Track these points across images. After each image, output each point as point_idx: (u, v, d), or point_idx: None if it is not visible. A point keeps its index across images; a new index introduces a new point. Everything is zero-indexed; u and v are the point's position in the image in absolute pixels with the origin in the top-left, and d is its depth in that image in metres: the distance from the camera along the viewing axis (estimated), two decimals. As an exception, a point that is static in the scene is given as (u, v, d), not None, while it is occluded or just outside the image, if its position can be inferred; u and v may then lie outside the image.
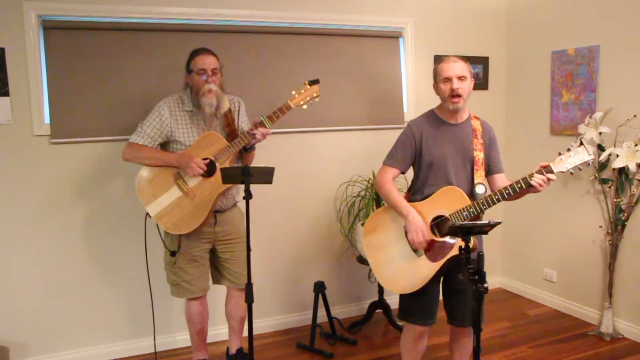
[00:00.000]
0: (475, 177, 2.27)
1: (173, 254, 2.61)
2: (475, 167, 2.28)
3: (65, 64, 2.88)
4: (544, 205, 3.72)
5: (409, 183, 2.51)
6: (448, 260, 2.20)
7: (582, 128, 3.25)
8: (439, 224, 2.25)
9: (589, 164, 2.12)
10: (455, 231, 1.91)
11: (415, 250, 2.26)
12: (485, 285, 1.76)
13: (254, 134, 2.52)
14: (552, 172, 2.09)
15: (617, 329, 3.25)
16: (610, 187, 3.22)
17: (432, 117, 2.36)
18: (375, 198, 3.28)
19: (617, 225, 3.20)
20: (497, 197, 2.14)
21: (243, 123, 2.73)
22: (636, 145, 2.98)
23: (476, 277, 1.76)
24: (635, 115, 3.05)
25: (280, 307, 3.51)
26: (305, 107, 2.64)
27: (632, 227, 3.17)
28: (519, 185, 2.11)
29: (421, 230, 2.20)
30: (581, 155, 2.09)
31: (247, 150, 2.65)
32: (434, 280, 2.26)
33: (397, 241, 2.31)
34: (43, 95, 2.87)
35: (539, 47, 3.71)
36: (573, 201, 3.53)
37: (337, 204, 3.56)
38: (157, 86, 2.98)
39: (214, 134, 2.55)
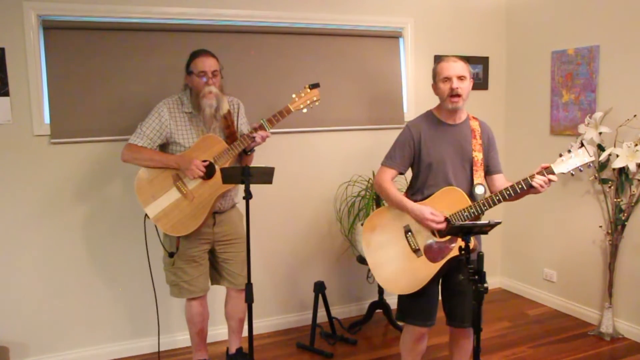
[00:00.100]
0: (474, 178, 2.27)
1: (171, 255, 2.61)
2: (474, 168, 2.28)
3: (65, 64, 2.88)
4: (544, 206, 3.73)
5: (409, 183, 2.50)
6: (448, 261, 2.20)
7: (582, 128, 3.25)
8: None
9: (589, 165, 2.12)
10: (455, 231, 1.91)
11: (415, 251, 2.26)
12: (485, 285, 1.76)
13: (254, 137, 2.52)
14: (553, 173, 2.09)
15: (617, 329, 3.25)
16: (610, 187, 3.22)
17: (431, 118, 2.36)
18: (375, 198, 3.28)
19: (617, 225, 3.20)
20: (497, 197, 2.14)
21: (242, 125, 2.73)
22: (636, 145, 2.98)
23: (476, 277, 1.76)
24: (635, 115, 3.05)
25: (280, 307, 3.52)
26: (305, 110, 2.64)
27: (632, 227, 3.17)
28: (519, 186, 2.11)
29: (430, 212, 2.18)
30: (582, 157, 2.09)
31: (246, 153, 2.65)
32: (434, 281, 2.26)
33: (397, 241, 2.31)
34: (43, 95, 2.87)
35: (539, 47, 3.71)
36: (573, 201, 3.53)
37: (337, 204, 3.56)
38: (157, 86, 2.98)
39: (213, 136, 2.55)
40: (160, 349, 3.17)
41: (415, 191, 2.35)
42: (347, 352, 3.16)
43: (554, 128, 3.62)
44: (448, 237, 2.20)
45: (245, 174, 2.16)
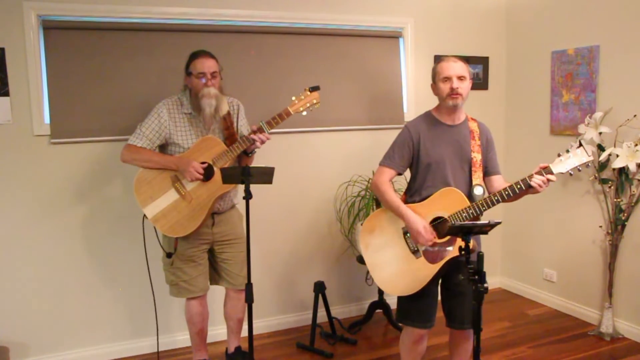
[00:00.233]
0: (473, 179, 2.27)
1: (169, 255, 2.61)
2: (473, 169, 2.28)
3: (65, 64, 2.88)
4: (544, 205, 3.73)
5: (407, 184, 2.50)
6: (446, 261, 2.20)
7: (582, 128, 3.25)
8: (438, 226, 2.25)
9: (588, 165, 2.12)
10: (455, 231, 1.91)
11: (414, 252, 2.26)
12: (485, 285, 1.76)
13: (253, 140, 2.52)
14: (551, 173, 2.09)
15: (617, 329, 3.25)
16: (610, 187, 3.22)
17: (430, 119, 2.36)
18: (375, 198, 3.28)
19: (617, 225, 3.20)
20: (496, 198, 2.14)
21: (242, 127, 2.72)
22: (636, 145, 2.98)
23: (476, 277, 1.76)
24: (635, 115, 3.05)
25: (280, 307, 3.52)
26: (304, 113, 2.64)
27: (632, 227, 3.17)
28: (518, 187, 2.11)
29: (423, 226, 2.19)
30: (580, 157, 2.09)
31: (247, 154, 2.64)
32: (433, 282, 2.26)
33: (395, 243, 2.31)
34: (43, 95, 2.87)
35: (539, 47, 3.71)
36: (573, 201, 3.53)
37: (337, 204, 3.56)
38: (157, 86, 2.99)
39: (212, 137, 2.55)
40: (161, 349, 3.17)
41: (414, 192, 2.35)
42: (347, 352, 3.16)
43: (554, 128, 3.62)
44: (447, 238, 2.20)
45: (245, 174, 2.16)
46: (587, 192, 3.43)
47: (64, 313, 3.01)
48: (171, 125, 2.56)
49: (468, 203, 2.18)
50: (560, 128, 3.57)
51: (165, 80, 2.99)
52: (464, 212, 2.17)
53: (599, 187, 3.31)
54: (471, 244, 1.88)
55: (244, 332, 2.74)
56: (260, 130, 2.54)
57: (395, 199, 2.29)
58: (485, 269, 1.77)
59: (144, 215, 2.55)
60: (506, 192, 2.13)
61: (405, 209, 2.25)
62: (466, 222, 2.16)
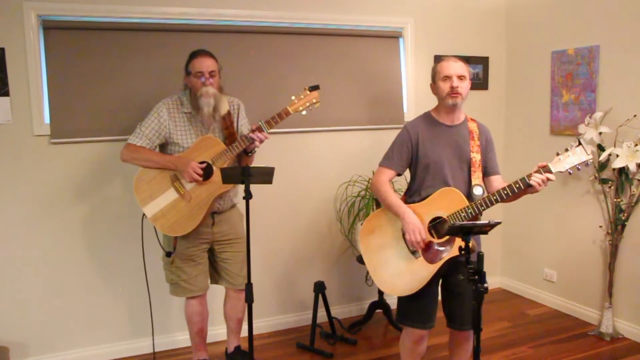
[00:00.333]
0: (472, 179, 2.27)
1: (169, 254, 2.62)
2: (472, 169, 2.28)
3: (65, 64, 2.88)
4: (544, 205, 3.72)
5: (407, 184, 2.50)
6: (446, 262, 2.20)
7: (582, 128, 3.25)
8: (437, 226, 2.25)
9: (587, 164, 2.11)
10: (455, 231, 1.91)
11: (413, 252, 2.26)
12: (485, 285, 1.76)
13: (252, 139, 2.52)
14: (550, 172, 2.09)
15: (617, 329, 3.25)
16: (610, 187, 3.22)
17: (429, 119, 2.36)
18: (375, 198, 3.28)
19: (617, 225, 3.20)
20: (495, 197, 2.14)
21: (243, 126, 2.72)
22: (636, 145, 2.98)
23: (476, 277, 1.76)
24: (635, 115, 3.05)
25: (280, 307, 3.51)
26: (304, 113, 2.63)
27: (632, 227, 3.17)
28: (517, 186, 2.11)
29: (418, 230, 2.19)
30: (579, 155, 2.09)
31: (247, 154, 2.64)
32: (432, 282, 2.25)
33: (395, 243, 2.31)
34: (43, 95, 2.87)
35: (539, 47, 3.71)
36: (573, 201, 3.53)
37: (337, 204, 3.56)
38: (157, 86, 2.98)
39: (211, 137, 2.55)
40: (160, 349, 3.18)
41: (413, 192, 2.35)
42: (347, 352, 3.16)
43: (554, 128, 3.62)
44: (446, 238, 2.20)
45: (245, 174, 2.16)
46: (587, 192, 3.43)
47: (63, 313, 3.01)
48: (171, 125, 2.56)
49: (467, 203, 2.18)
50: (560, 128, 3.57)
51: (165, 80, 2.99)
52: (462, 212, 2.17)
53: (599, 187, 3.31)
54: (471, 244, 1.88)
55: (244, 332, 2.74)
56: (259, 129, 2.53)
57: (395, 199, 2.29)
58: (485, 269, 1.77)
59: (144, 214, 2.55)
60: (505, 192, 2.12)
61: (405, 208, 2.25)
62: (466, 222, 2.16)
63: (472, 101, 2.79)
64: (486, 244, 2.44)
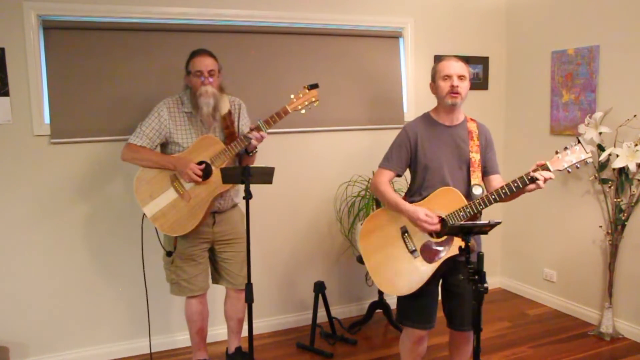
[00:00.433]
0: (471, 179, 2.27)
1: (169, 254, 2.62)
2: (471, 169, 2.28)
3: (65, 64, 2.88)
4: (544, 206, 3.73)
5: (408, 185, 2.50)
6: (444, 261, 2.20)
7: (582, 128, 3.25)
8: None
9: (586, 162, 2.11)
10: (455, 231, 1.91)
11: (411, 252, 2.26)
12: (485, 285, 1.76)
13: (250, 138, 2.52)
14: (548, 170, 2.09)
15: (617, 329, 3.25)
16: (610, 187, 3.22)
17: (428, 120, 2.36)
18: (375, 198, 3.28)
19: (617, 225, 3.20)
20: (493, 196, 2.13)
21: (244, 126, 2.72)
22: (636, 145, 2.98)
23: (476, 277, 1.76)
24: (635, 115, 3.05)
25: (280, 307, 3.52)
26: (303, 111, 2.63)
27: (632, 227, 3.17)
28: (515, 185, 2.10)
29: (424, 213, 2.18)
30: (578, 154, 2.08)
31: (248, 154, 2.64)
32: (432, 282, 2.26)
33: (394, 243, 2.31)
34: (43, 95, 2.87)
35: (539, 47, 3.71)
36: (573, 201, 3.53)
37: (337, 204, 3.56)
38: (157, 86, 2.99)
39: (211, 136, 2.55)
40: (161, 349, 3.18)
41: (414, 193, 2.36)
42: (347, 352, 3.16)
43: (554, 128, 3.62)
44: (444, 238, 2.20)
45: (245, 174, 2.16)
46: (587, 192, 3.43)
47: (64, 313, 3.01)
48: (171, 125, 2.56)
49: (465, 202, 2.18)
50: (560, 128, 3.57)
51: (165, 81, 2.99)
52: (461, 212, 2.17)
53: (599, 187, 3.31)
54: (470, 243, 1.87)
55: (244, 332, 2.74)
56: (257, 128, 2.53)
57: (395, 196, 2.30)
58: (485, 269, 1.77)
59: (144, 214, 2.55)
60: (503, 191, 2.12)
61: (404, 202, 2.26)
62: (466, 222, 2.16)
63: (472, 101, 2.79)
64: (486, 244, 2.44)
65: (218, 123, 2.61)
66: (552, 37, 3.61)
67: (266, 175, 2.20)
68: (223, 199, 2.65)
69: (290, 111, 2.58)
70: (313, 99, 2.62)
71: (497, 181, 2.36)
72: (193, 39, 3.00)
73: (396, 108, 3.67)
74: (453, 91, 2.23)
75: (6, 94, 2.79)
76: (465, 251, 1.85)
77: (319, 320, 3.29)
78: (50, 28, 2.85)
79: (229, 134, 2.60)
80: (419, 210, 2.20)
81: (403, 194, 2.46)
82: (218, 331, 3.27)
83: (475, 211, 2.16)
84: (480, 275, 1.76)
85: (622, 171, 3.10)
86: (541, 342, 3.21)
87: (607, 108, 3.20)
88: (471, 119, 2.38)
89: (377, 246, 2.35)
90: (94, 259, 3.05)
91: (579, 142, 2.10)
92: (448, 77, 2.25)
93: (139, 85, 3.00)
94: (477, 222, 2.03)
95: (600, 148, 3.17)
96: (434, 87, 2.32)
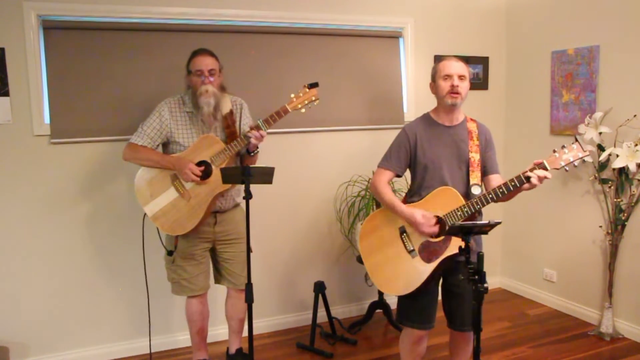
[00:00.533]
0: (470, 179, 2.27)
1: (170, 253, 2.62)
2: (470, 169, 2.28)
3: (65, 64, 2.88)
4: (544, 206, 3.73)
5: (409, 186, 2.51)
6: (442, 260, 2.20)
7: (582, 128, 3.25)
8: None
9: (583, 160, 2.10)
10: (455, 231, 1.91)
11: (409, 252, 2.26)
12: (485, 285, 1.76)
13: (249, 137, 2.51)
14: (545, 168, 2.08)
15: (617, 329, 3.25)
16: (610, 187, 3.22)
17: (428, 120, 2.37)
18: (375, 198, 3.28)
19: (617, 225, 3.20)
20: (490, 195, 2.13)
21: (245, 125, 2.71)
22: (636, 145, 2.98)
23: (476, 277, 1.76)
24: (635, 115, 3.05)
25: (280, 307, 3.52)
26: (303, 110, 2.63)
27: (632, 227, 3.17)
28: (512, 184, 2.10)
29: (421, 215, 2.18)
30: (575, 152, 2.08)
31: (250, 154, 2.64)
32: (430, 281, 2.26)
33: (392, 243, 2.31)
34: (43, 95, 2.87)
35: (539, 47, 3.71)
36: (573, 201, 3.53)
37: (337, 204, 3.56)
38: (157, 86, 2.99)
39: (211, 136, 2.55)
40: (161, 349, 3.18)
41: (414, 193, 2.36)
42: (347, 352, 3.16)
43: (554, 128, 3.62)
44: (442, 237, 2.20)
45: (245, 174, 2.16)
46: (587, 192, 3.43)
47: (64, 313, 3.01)
48: (172, 124, 2.57)
49: (463, 202, 2.18)
50: (560, 128, 3.57)
51: (165, 81, 2.99)
52: (459, 211, 2.17)
53: (599, 187, 3.31)
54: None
55: (245, 332, 2.74)
56: (257, 127, 2.53)
57: (392, 198, 2.30)
58: (485, 269, 1.77)
59: (145, 214, 2.56)
60: (500, 190, 2.12)
61: (400, 205, 2.26)
62: (466, 222, 2.16)
63: (472, 101, 2.79)
64: (486, 244, 2.43)
65: (219, 122, 2.61)
66: (552, 37, 3.61)
67: (266, 175, 2.20)
68: (224, 198, 2.65)
69: (290, 110, 2.57)
70: (313, 98, 2.61)
71: (497, 181, 2.36)
72: (193, 39, 3.00)
73: (396, 108, 3.67)
74: (453, 91, 2.24)
75: (6, 94, 2.79)
76: (465, 251, 1.85)
77: (319, 320, 3.29)
78: (50, 28, 2.85)
79: (230, 134, 2.60)
80: (416, 212, 2.20)
81: (403, 194, 2.47)
82: (218, 331, 3.27)
83: (473, 210, 2.16)
84: (480, 275, 1.76)
85: (622, 171, 3.10)
86: (541, 342, 3.21)
87: (607, 108, 3.20)
88: (471, 119, 2.38)
89: (376, 246, 2.36)
90: (94, 258, 3.05)
91: (576, 140, 2.10)
92: (448, 76, 2.25)
93: (138, 86, 3.00)
94: (477, 222, 2.03)
95: (600, 148, 3.17)
96: (434, 86, 2.32)
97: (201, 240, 2.65)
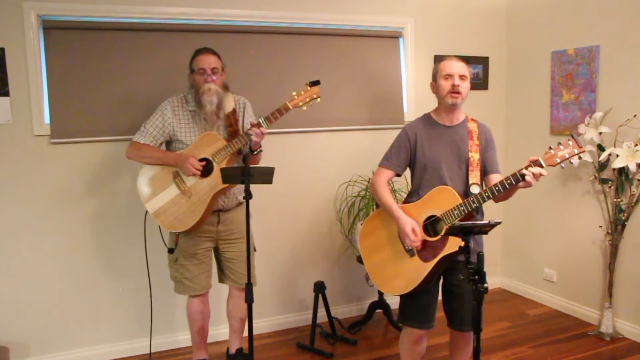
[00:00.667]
0: (469, 178, 2.27)
1: (171, 251, 2.63)
2: (470, 169, 2.28)
3: (65, 64, 2.88)
4: (544, 206, 3.72)
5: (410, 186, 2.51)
6: (440, 260, 2.19)
7: (582, 128, 3.25)
8: (431, 224, 2.25)
9: (580, 157, 2.10)
10: (455, 231, 1.91)
11: (408, 251, 2.26)
12: (485, 285, 1.76)
13: (250, 135, 2.52)
14: (541, 166, 2.08)
15: (617, 329, 3.25)
16: (610, 187, 3.22)
17: (428, 120, 2.37)
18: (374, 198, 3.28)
19: (617, 225, 3.20)
20: (487, 194, 2.13)
21: (248, 124, 2.71)
22: (636, 145, 2.98)
23: (476, 277, 1.76)
24: (635, 115, 3.05)
25: (280, 307, 3.52)
26: (304, 108, 2.62)
27: (632, 227, 3.17)
28: (508, 182, 2.09)
29: (411, 228, 2.20)
30: (571, 148, 2.07)
31: (253, 153, 2.64)
32: (429, 281, 2.26)
33: (391, 243, 2.32)
34: (43, 95, 2.87)
35: (539, 47, 3.72)
36: (573, 201, 3.53)
37: (337, 204, 3.56)
38: (157, 86, 2.99)
39: (213, 133, 2.56)
40: (162, 349, 3.19)
41: (413, 192, 2.36)
42: (347, 352, 3.16)
43: (554, 128, 3.62)
44: (439, 237, 2.21)
45: (245, 174, 2.16)
46: (587, 192, 3.43)
47: (64, 313, 3.01)
48: (175, 123, 2.58)
49: (460, 200, 2.18)
50: (560, 128, 3.57)
51: (165, 81, 2.99)
52: (456, 210, 2.17)
53: (599, 187, 3.31)
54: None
55: (245, 332, 2.74)
56: (258, 125, 2.53)
57: (389, 200, 2.31)
58: (485, 269, 1.77)
59: (146, 212, 2.56)
60: (496, 188, 2.11)
61: (397, 209, 2.26)
62: (466, 222, 2.15)
63: (472, 101, 2.79)
64: (486, 244, 2.43)
65: (222, 121, 2.61)
66: (552, 37, 3.61)
67: (266, 175, 2.20)
68: (227, 197, 2.66)
69: (291, 108, 2.57)
70: (315, 96, 2.61)
71: (497, 180, 2.36)
72: (193, 39, 3.00)
73: (396, 108, 3.67)
74: (454, 90, 2.24)
75: (6, 94, 2.79)
76: (465, 250, 1.85)
77: (319, 320, 3.29)
78: (50, 28, 2.85)
79: (233, 132, 2.61)
80: (408, 223, 2.21)
81: (403, 195, 2.47)
82: (219, 331, 3.27)
83: (470, 209, 2.15)
84: (480, 275, 1.76)
85: (622, 171, 3.10)
86: (541, 342, 3.21)
87: (607, 108, 3.20)
88: (472, 119, 2.38)
89: (375, 246, 2.36)
90: (94, 259, 3.05)
91: (572, 137, 2.09)
92: (449, 76, 2.25)
93: (138, 86, 3.00)
94: (477, 222, 2.03)
95: (600, 148, 3.17)
96: (435, 86, 2.33)
97: (204, 240, 2.65)
